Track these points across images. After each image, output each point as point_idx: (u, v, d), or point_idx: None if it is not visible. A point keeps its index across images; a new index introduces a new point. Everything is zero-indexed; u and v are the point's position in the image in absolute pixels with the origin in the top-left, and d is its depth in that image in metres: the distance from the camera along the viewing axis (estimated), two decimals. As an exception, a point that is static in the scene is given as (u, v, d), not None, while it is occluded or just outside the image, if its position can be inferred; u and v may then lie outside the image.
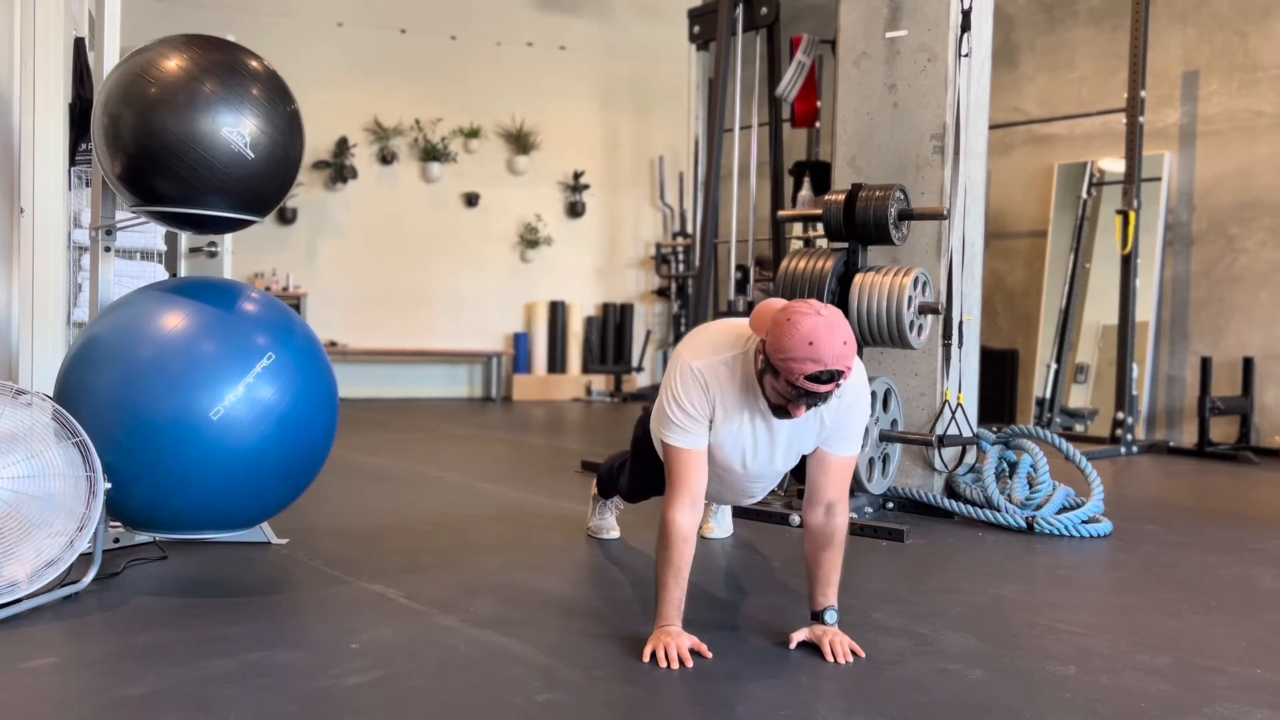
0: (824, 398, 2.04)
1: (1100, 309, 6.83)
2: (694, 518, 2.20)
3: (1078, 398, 6.89)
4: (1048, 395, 6.96)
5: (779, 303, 2.12)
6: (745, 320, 2.26)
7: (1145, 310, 6.52)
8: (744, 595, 2.78)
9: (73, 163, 3.93)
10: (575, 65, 9.56)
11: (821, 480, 2.27)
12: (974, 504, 3.79)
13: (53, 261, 3.81)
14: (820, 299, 3.57)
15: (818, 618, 2.25)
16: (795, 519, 3.58)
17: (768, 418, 2.21)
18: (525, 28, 9.38)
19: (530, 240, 9.43)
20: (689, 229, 9.11)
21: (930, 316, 3.73)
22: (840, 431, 2.25)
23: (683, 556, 2.18)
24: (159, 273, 4.07)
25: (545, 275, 9.54)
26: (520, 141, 9.34)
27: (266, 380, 2.67)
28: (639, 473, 2.81)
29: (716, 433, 2.23)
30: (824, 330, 1.96)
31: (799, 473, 2.42)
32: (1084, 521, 3.58)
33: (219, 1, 8.19)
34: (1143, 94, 6.14)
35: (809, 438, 2.27)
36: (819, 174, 5.88)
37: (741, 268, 7.11)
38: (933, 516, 3.82)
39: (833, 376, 1.99)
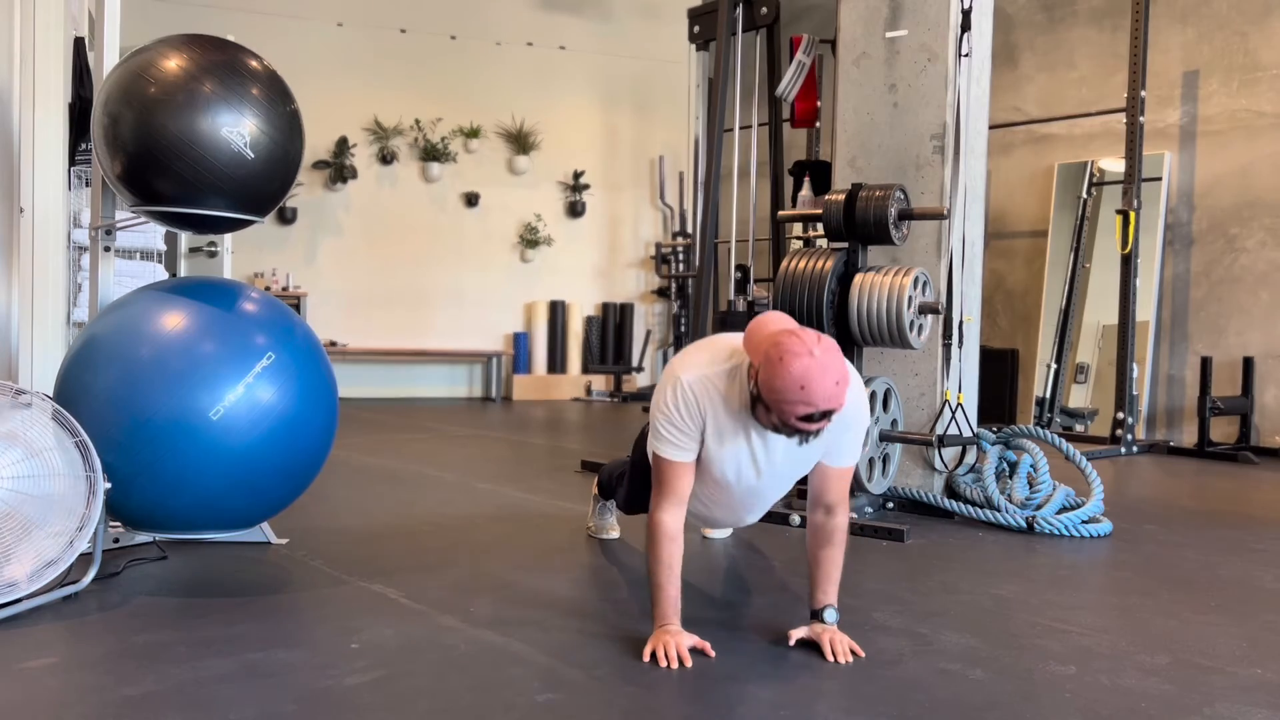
0: (816, 432, 2.07)
1: (1100, 309, 6.82)
2: (679, 517, 2.24)
3: (1078, 398, 6.89)
4: (1048, 395, 6.96)
5: (773, 323, 2.13)
6: (740, 335, 2.24)
7: (1145, 310, 6.51)
8: (744, 595, 2.78)
9: (73, 163, 3.93)
10: (575, 65, 9.56)
11: (821, 487, 2.31)
12: (974, 504, 3.79)
13: (53, 261, 3.81)
14: (820, 299, 3.57)
15: (817, 616, 2.26)
16: (795, 519, 3.58)
17: (763, 432, 2.22)
18: (525, 28, 9.38)
19: (530, 240, 9.43)
20: (689, 229, 9.11)
21: (930, 316, 3.73)
22: (838, 447, 2.27)
23: (672, 555, 2.20)
24: (159, 273, 4.07)
25: (545, 275, 9.54)
26: (520, 141, 9.34)
27: (266, 380, 2.67)
28: (637, 488, 2.81)
29: (709, 447, 2.24)
30: (817, 373, 1.96)
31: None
32: (1084, 521, 3.58)
33: (219, 1, 8.19)
34: (1143, 94, 6.14)
35: (804, 463, 2.29)
36: (819, 174, 5.87)
37: (741, 268, 7.11)
38: (933, 516, 3.82)
39: (825, 415, 2.01)
